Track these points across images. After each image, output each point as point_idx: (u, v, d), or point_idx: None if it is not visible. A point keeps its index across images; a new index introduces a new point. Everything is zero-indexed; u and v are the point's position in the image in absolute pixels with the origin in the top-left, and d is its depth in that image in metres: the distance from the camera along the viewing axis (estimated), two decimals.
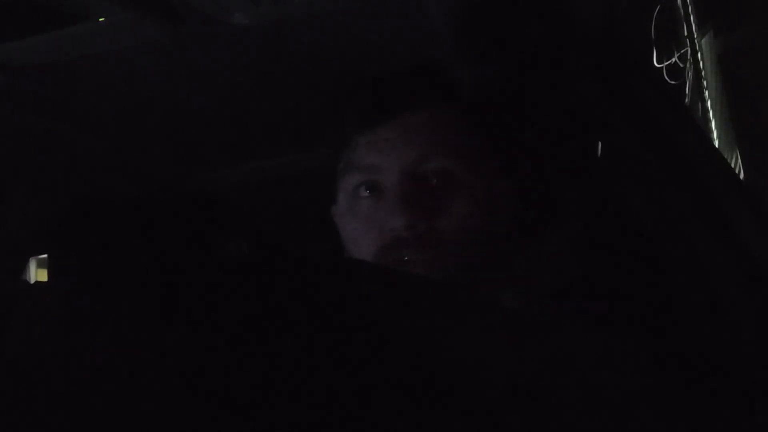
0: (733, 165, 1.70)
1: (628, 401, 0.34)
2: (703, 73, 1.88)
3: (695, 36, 1.85)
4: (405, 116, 0.64)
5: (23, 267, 1.25)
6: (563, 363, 0.34)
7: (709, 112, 1.86)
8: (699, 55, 1.86)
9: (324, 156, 1.18)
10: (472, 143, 0.66)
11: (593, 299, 0.66)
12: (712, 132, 1.83)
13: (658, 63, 1.73)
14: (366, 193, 0.65)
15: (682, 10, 1.84)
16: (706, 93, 1.87)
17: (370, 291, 0.33)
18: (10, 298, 0.35)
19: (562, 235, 0.76)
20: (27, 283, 1.14)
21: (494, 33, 0.77)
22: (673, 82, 1.76)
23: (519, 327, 0.36)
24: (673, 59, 1.81)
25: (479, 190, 0.64)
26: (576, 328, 0.59)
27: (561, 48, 0.75)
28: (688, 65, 1.87)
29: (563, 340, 0.37)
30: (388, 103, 0.65)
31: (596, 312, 0.63)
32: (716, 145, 1.69)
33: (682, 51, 1.85)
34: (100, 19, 0.72)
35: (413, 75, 0.68)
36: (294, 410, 0.29)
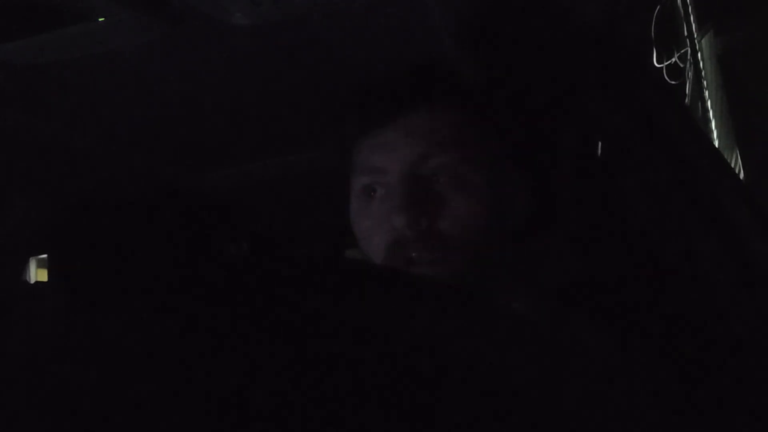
0: (733, 165, 1.70)
1: (634, 403, 0.34)
2: (703, 73, 1.88)
3: (695, 36, 1.85)
4: (406, 117, 0.65)
5: (23, 267, 1.25)
6: (572, 366, 0.34)
7: (709, 112, 1.86)
8: (699, 55, 1.86)
9: (323, 156, 1.19)
10: (475, 141, 0.66)
11: (596, 299, 0.66)
12: (712, 132, 1.84)
13: (658, 63, 1.73)
14: (372, 194, 0.67)
15: (682, 10, 1.84)
16: (706, 93, 1.87)
17: (371, 292, 0.33)
18: (10, 298, 0.35)
19: (564, 235, 0.76)
20: (27, 283, 1.14)
21: (496, 31, 0.77)
22: (673, 82, 1.76)
23: (528, 331, 0.36)
24: (673, 59, 1.82)
25: (482, 188, 0.65)
26: (584, 331, 0.59)
27: (562, 47, 0.76)
28: (688, 65, 1.87)
29: (572, 344, 0.37)
30: (387, 105, 0.66)
31: (600, 313, 0.63)
32: (716, 145, 1.69)
33: (682, 51, 1.85)
34: (100, 19, 0.72)
35: (413, 75, 0.69)
36: (291, 413, 0.29)
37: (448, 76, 0.69)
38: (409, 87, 0.67)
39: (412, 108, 0.66)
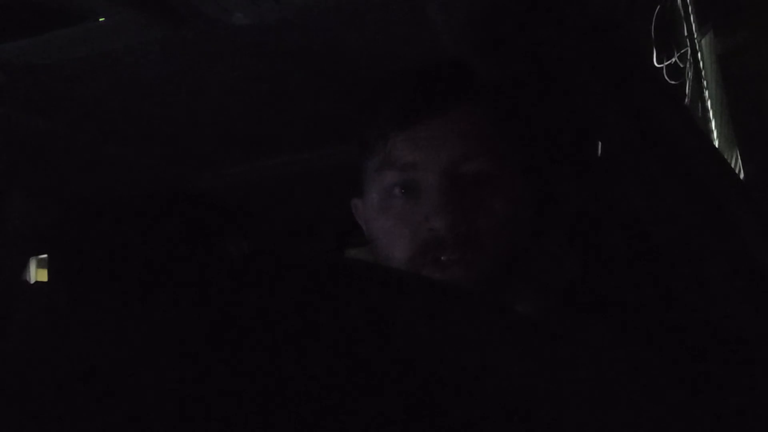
0: (733, 165, 1.70)
1: (640, 405, 0.34)
2: (703, 73, 1.88)
3: (695, 36, 1.85)
4: (447, 114, 0.63)
5: (23, 267, 1.25)
6: (578, 370, 0.34)
7: (709, 112, 1.86)
8: (699, 55, 1.87)
9: (323, 156, 1.19)
10: (503, 143, 0.65)
11: (598, 301, 0.66)
12: (712, 132, 1.84)
13: (658, 63, 1.73)
14: (401, 192, 0.63)
15: (682, 10, 1.84)
16: (706, 93, 1.87)
17: (375, 293, 0.33)
18: (10, 298, 0.35)
19: (565, 237, 0.76)
20: (27, 283, 1.14)
21: (499, 33, 0.77)
22: (673, 82, 1.76)
23: (535, 334, 0.36)
24: (673, 59, 1.82)
25: (513, 191, 0.64)
26: (588, 334, 0.59)
27: (565, 47, 0.76)
28: (688, 65, 1.87)
29: (577, 347, 0.37)
30: (431, 99, 0.63)
31: (602, 315, 0.63)
32: (716, 145, 1.69)
33: (682, 51, 1.85)
34: (100, 19, 0.72)
35: (452, 72, 0.66)
36: (291, 415, 0.29)
37: (481, 77, 0.67)
38: (451, 82, 0.64)
39: (455, 105, 0.63)
